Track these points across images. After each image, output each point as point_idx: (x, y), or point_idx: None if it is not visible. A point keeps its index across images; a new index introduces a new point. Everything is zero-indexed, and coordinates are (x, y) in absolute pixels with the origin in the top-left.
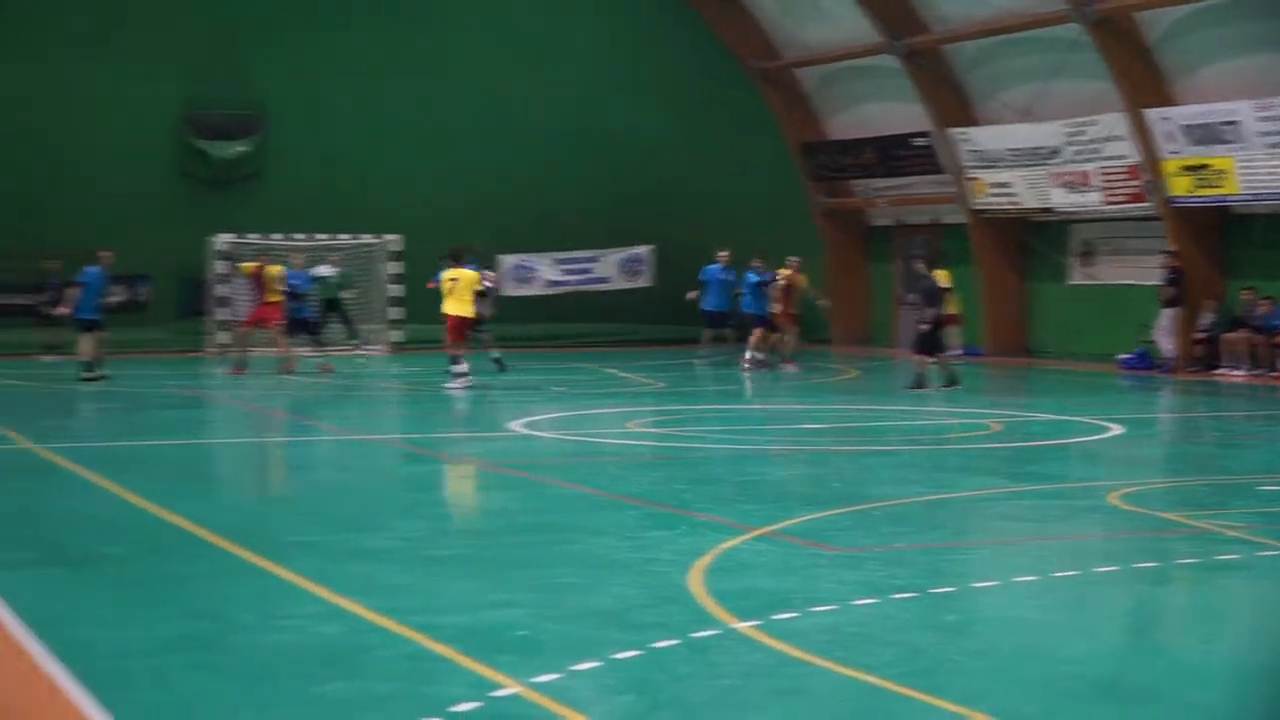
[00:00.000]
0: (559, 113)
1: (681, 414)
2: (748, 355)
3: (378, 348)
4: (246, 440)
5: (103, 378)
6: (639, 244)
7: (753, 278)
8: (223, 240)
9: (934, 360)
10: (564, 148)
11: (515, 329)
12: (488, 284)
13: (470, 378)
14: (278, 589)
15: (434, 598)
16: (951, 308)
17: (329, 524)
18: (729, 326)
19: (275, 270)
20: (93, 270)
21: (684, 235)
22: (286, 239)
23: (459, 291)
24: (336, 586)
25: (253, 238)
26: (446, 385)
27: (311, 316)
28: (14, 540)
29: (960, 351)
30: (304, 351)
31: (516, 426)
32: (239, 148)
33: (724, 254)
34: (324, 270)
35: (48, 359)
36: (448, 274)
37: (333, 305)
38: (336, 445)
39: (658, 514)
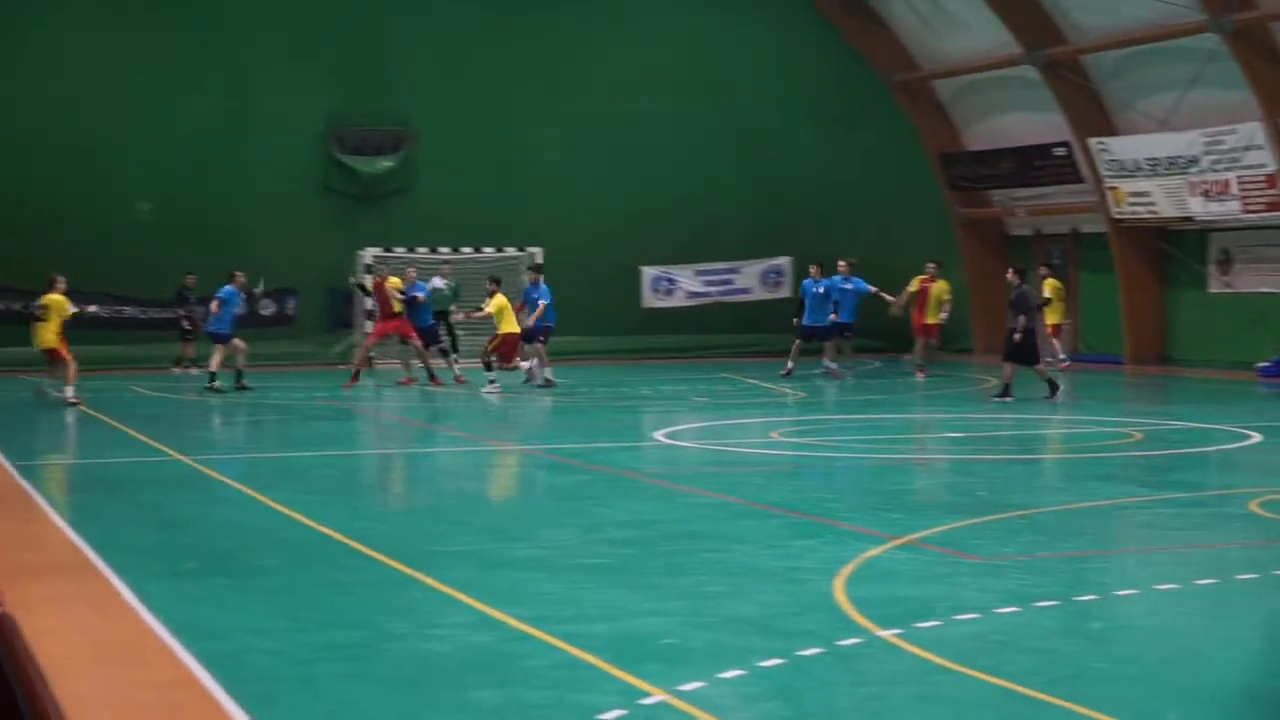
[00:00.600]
0: (699, 126)
1: (823, 423)
2: (825, 364)
3: (524, 360)
4: (393, 451)
5: (219, 389)
6: (779, 255)
7: (840, 283)
8: (369, 254)
9: (1035, 369)
10: (704, 160)
11: (657, 340)
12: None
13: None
14: (428, 598)
15: (582, 606)
16: (1053, 317)
17: (477, 534)
18: (845, 336)
19: (395, 282)
20: (228, 289)
21: (824, 246)
22: (432, 252)
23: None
24: (486, 596)
25: (399, 251)
26: (487, 389)
27: (429, 326)
28: (176, 549)
29: (1065, 360)
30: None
31: (660, 436)
32: (385, 163)
33: (844, 263)
34: (437, 282)
35: (179, 371)
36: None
37: (441, 317)
38: (482, 455)
39: (801, 523)
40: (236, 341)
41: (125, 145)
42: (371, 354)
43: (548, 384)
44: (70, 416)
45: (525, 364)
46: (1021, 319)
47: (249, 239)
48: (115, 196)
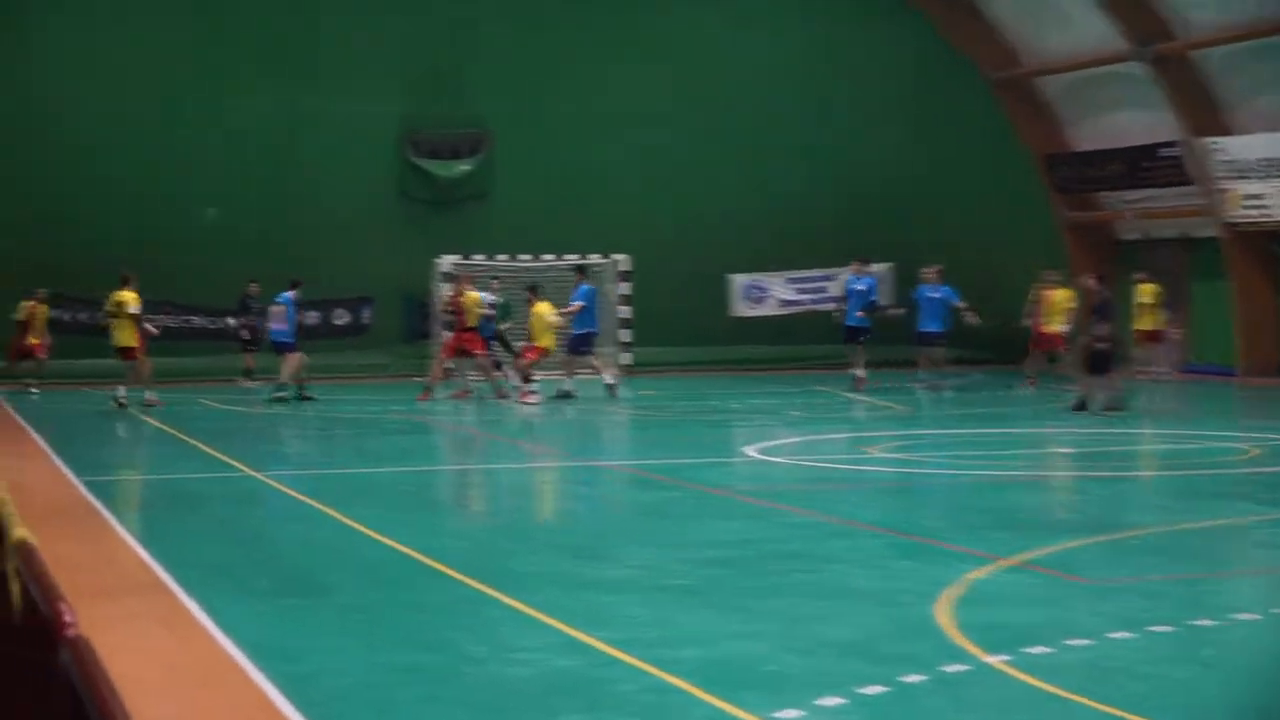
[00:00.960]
0: (790, 127)
1: (923, 438)
2: (921, 378)
3: (608, 371)
4: (471, 466)
5: (285, 399)
6: (874, 262)
7: (927, 292)
8: (447, 261)
9: (1102, 380)
10: (795, 163)
11: (746, 351)
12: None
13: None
14: (509, 620)
15: (672, 629)
16: (1147, 323)
17: (561, 553)
18: (933, 345)
19: (474, 297)
20: (287, 295)
21: (921, 252)
22: (511, 260)
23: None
24: (571, 618)
25: (477, 259)
26: (525, 399)
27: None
28: (250, 567)
29: (1166, 371)
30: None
31: (752, 452)
32: (462, 166)
33: (930, 271)
34: (488, 297)
35: (248, 384)
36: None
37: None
38: (565, 471)
39: (901, 543)
40: (300, 354)
41: (192, 150)
42: (448, 366)
43: (565, 396)
44: (136, 428)
45: (609, 379)
46: (1106, 327)
47: (319, 246)
48: (181, 204)
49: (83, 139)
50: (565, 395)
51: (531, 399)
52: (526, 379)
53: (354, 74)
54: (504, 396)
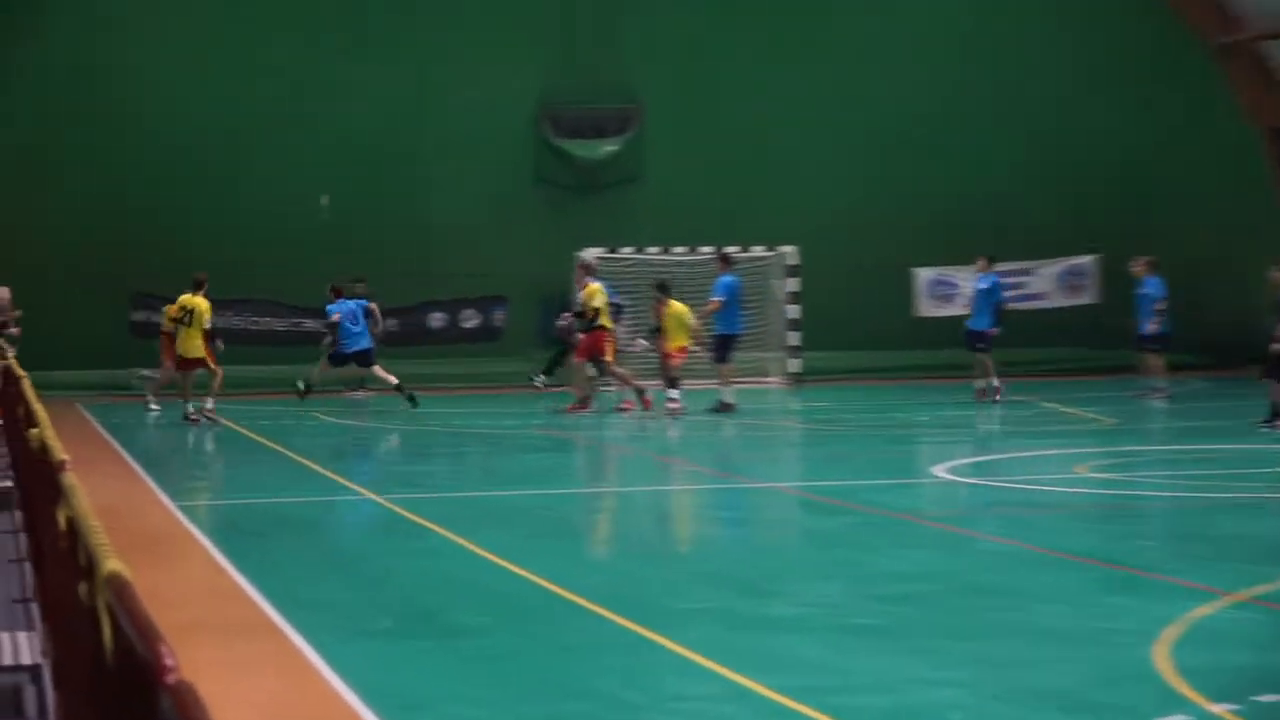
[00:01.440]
0: (983, 100)
1: (1139, 456)
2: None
3: (774, 379)
4: (621, 489)
5: (414, 399)
6: (1081, 253)
7: (985, 284)
8: (590, 255)
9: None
10: (989, 141)
11: (933, 356)
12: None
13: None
14: (666, 663)
15: (852, 675)
16: None
17: (723, 587)
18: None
19: (595, 288)
20: (348, 303)
21: (1134, 242)
22: (664, 253)
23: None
24: (735, 661)
25: (625, 252)
26: (669, 408)
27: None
28: (370, 605)
29: None
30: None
31: (940, 471)
32: (608, 147)
33: (1139, 263)
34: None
35: (361, 395)
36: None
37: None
38: (725, 494)
39: (1114, 575)
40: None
41: (295, 132)
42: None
43: (725, 408)
44: (235, 445)
45: (727, 396)
46: None
47: (444, 239)
48: (285, 192)
49: (169, 118)
50: (724, 408)
51: (674, 405)
52: (673, 384)
53: (484, 43)
54: (623, 409)
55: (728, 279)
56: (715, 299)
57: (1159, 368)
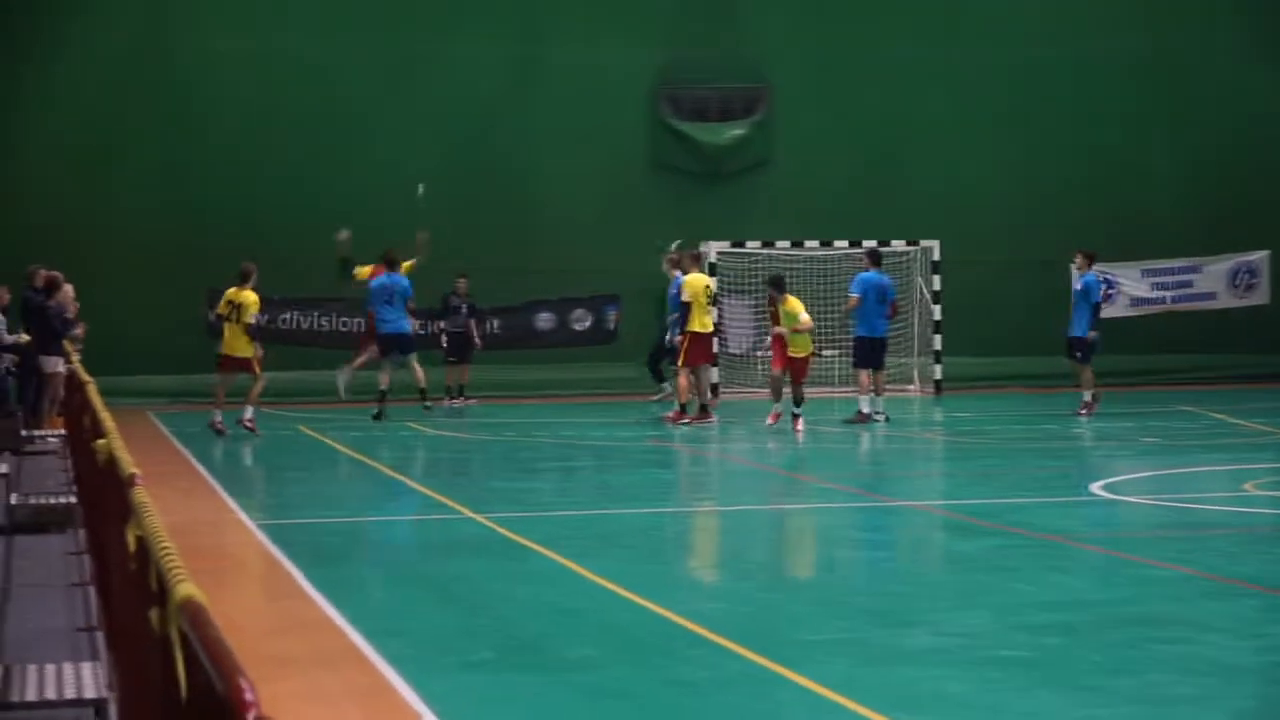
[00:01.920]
0: (1148, 81)
1: None
2: None
3: (914, 386)
4: (744, 507)
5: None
6: (1253, 249)
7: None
8: (716, 250)
9: None
10: (1155, 126)
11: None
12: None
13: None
14: (798, 700)
15: (1000, 713)
16: None
17: (859, 616)
18: None
19: (699, 280)
20: (386, 280)
21: None
22: (795, 247)
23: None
24: (876, 699)
25: (752, 246)
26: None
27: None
28: (469, 634)
29: None
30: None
31: (1097, 489)
32: (734, 131)
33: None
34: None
35: (456, 403)
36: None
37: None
38: (860, 514)
39: None
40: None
41: (386, 116)
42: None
43: (864, 419)
44: (319, 458)
45: (864, 406)
46: None
47: (551, 232)
48: (374, 182)
49: (245, 103)
50: (861, 418)
51: (772, 420)
52: (779, 395)
53: (595, 14)
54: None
55: (868, 275)
56: (853, 295)
57: None
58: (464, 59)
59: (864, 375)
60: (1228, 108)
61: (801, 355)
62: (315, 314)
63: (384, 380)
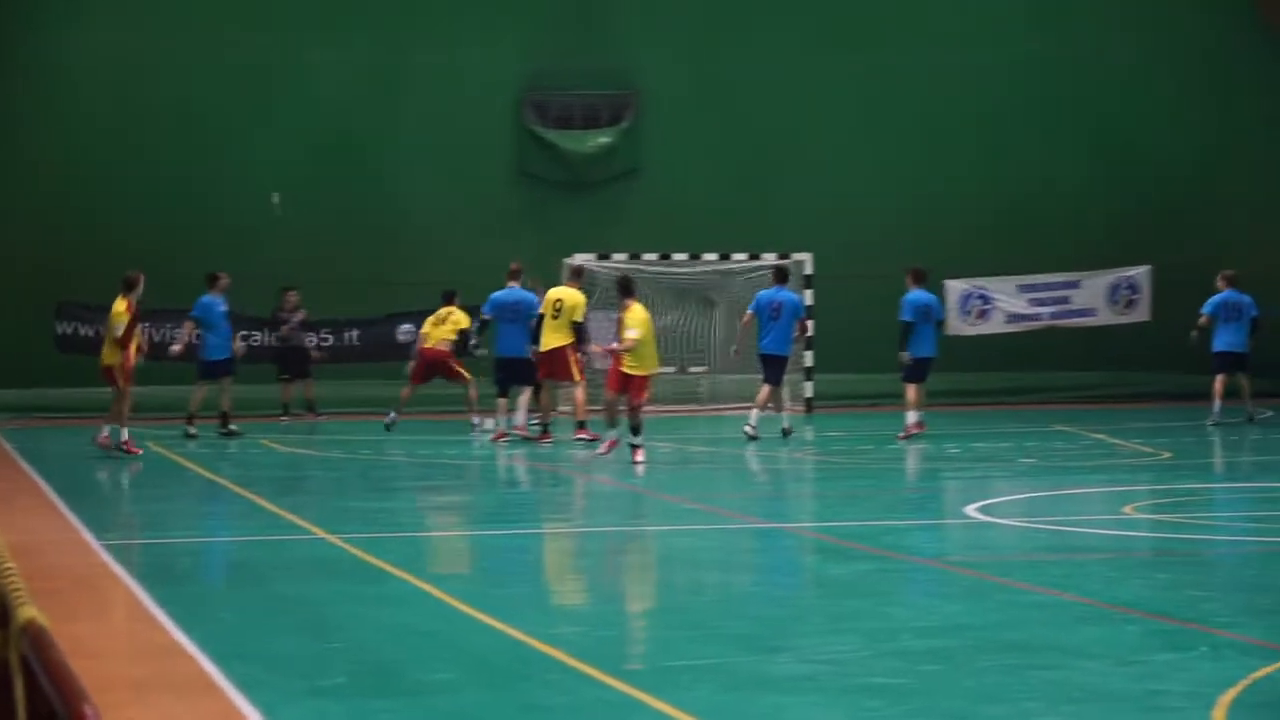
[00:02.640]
0: (1030, 92)
1: (1197, 494)
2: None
3: (786, 405)
4: (609, 529)
5: (235, 434)
6: (1133, 265)
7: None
8: (581, 262)
9: None
10: (1035, 137)
11: (965, 379)
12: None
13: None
14: None
15: None
16: None
17: (724, 642)
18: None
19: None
20: (207, 299)
21: (1194, 253)
22: (663, 259)
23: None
24: None
25: (618, 259)
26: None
27: None
28: (322, 659)
29: None
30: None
31: (972, 511)
32: (601, 139)
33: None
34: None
35: (309, 418)
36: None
37: None
38: (729, 536)
39: (1166, 630)
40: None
41: (243, 123)
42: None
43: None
44: (169, 477)
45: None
46: None
47: (411, 242)
48: (231, 191)
49: (102, 113)
50: (917, 429)
51: (605, 450)
52: (613, 419)
53: (458, 19)
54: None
55: (916, 295)
56: (904, 320)
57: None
58: (327, 64)
59: (912, 388)
60: (1118, 120)
61: (639, 373)
62: (169, 327)
63: (224, 400)
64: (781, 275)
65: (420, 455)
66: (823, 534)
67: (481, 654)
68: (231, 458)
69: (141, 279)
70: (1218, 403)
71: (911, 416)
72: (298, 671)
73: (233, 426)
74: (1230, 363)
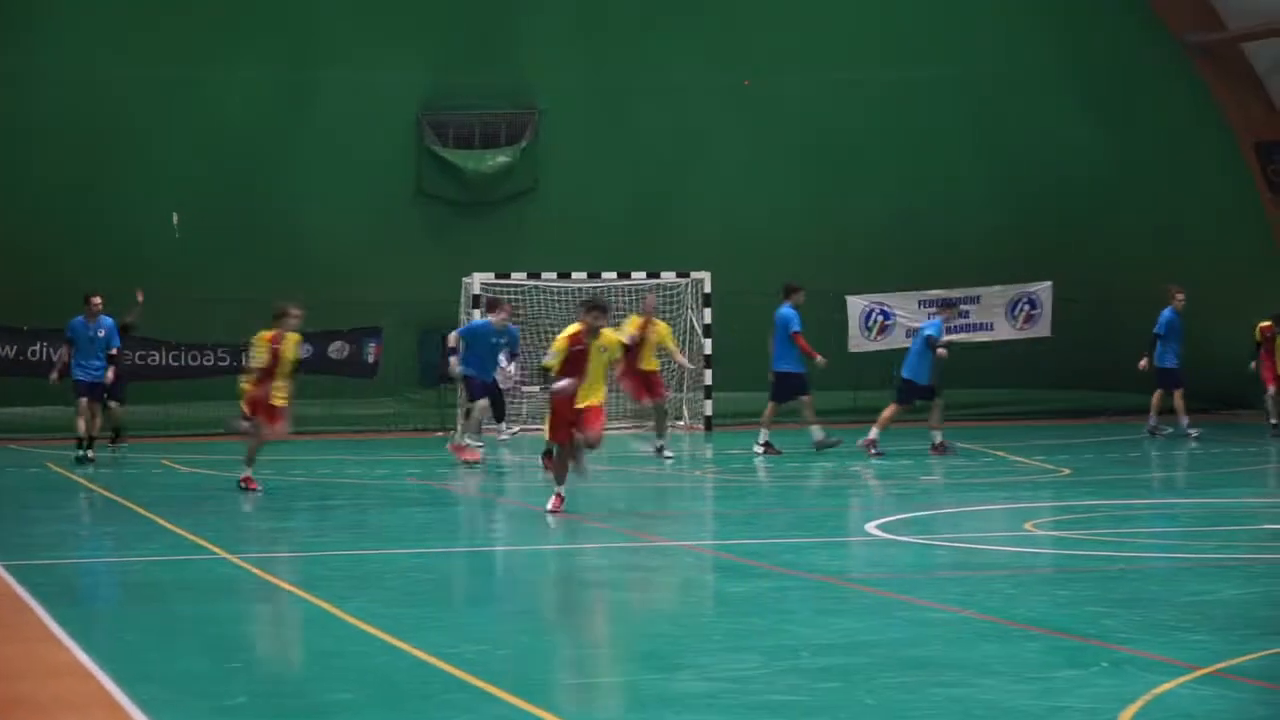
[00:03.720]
0: (925, 106)
1: (1098, 511)
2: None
3: (684, 422)
4: (513, 548)
5: (90, 460)
6: (1033, 280)
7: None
8: (480, 281)
9: None
10: (932, 153)
11: (866, 396)
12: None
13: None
14: None
15: None
16: None
17: (624, 660)
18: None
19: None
20: (78, 320)
21: (1095, 268)
22: (562, 278)
23: None
24: None
25: (518, 278)
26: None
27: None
28: (223, 678)
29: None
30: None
31: (873, 528)
32: (499, 158)
33: (1180, 295)
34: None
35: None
36: None
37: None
38: (629, 554)
39: (1067, 646)
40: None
41: (141, 140)
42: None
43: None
44: (75, 498)
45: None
46: None
47: (310, 261)
48: (129, 209)
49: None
50: (946, 447)
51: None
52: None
53: (356, 36)
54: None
55: (937, 323)
56: (939, 348)
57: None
58: (227, 82)
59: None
60: (1017, 136)
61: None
62: (48, 347)
63: (82, 425)
64: (785, 291)
65: (320, 475)
66: (723, 552)
67: (383, 673)
68: (133, 478)
69: (286, 310)
70: (1154, 417)
71: (763, 435)
72: (199, 691)
73: (90, 453)
74: (1178, 380)
